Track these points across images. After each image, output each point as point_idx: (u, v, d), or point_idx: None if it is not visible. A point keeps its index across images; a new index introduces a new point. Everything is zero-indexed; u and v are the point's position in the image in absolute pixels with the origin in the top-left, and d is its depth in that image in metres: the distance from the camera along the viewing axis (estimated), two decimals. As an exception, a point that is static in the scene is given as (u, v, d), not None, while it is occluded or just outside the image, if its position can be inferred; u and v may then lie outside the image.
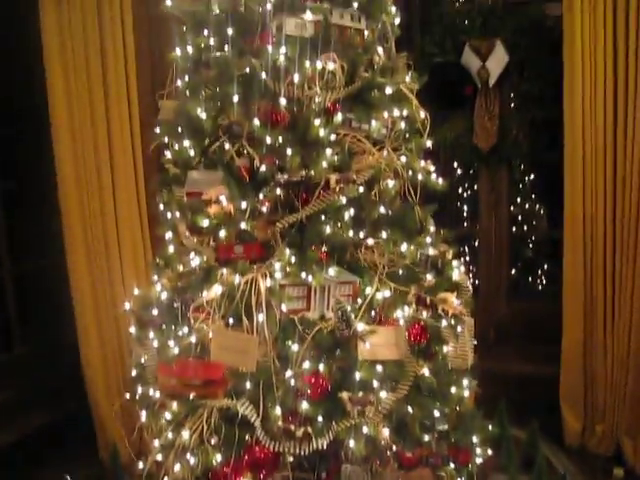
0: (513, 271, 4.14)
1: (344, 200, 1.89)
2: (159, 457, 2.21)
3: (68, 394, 3.38)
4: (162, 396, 2.16)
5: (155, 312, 2.20)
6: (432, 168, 2.21)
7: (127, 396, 2.46)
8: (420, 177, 2.14)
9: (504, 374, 3.44)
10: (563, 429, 3.39)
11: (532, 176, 4.13)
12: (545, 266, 4.36)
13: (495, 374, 3.20)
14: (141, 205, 3.13)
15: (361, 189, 1.94)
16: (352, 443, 1.85)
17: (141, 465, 2.27)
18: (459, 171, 4.12)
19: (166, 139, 2.24)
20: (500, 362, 3.54)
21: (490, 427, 2.35)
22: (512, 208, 4.05)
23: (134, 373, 2.35)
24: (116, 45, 3.01)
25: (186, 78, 2.13)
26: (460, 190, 4.23)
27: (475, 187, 4.08)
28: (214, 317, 1.96)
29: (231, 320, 1.94)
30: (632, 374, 3.11)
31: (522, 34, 3.28)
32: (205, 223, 1.99)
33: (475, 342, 2.29)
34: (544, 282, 4.37)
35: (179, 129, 2.15)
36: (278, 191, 1.98)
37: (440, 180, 2.23)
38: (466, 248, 4.17)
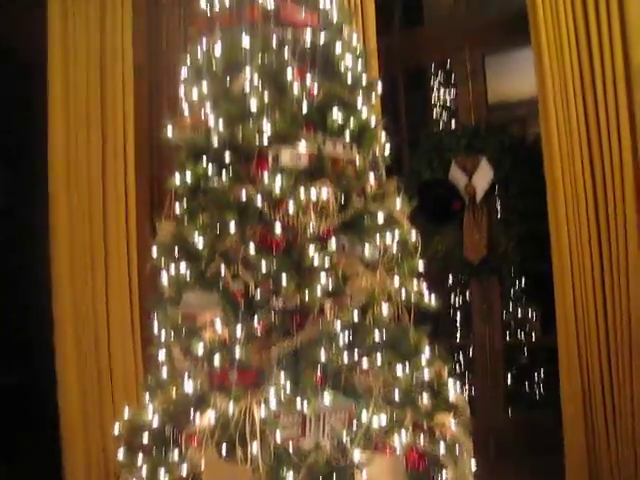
0: (509, 379, 4.10)
1: (339, 327, 1.91)
2: None
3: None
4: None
5: (145, 437, 2.15)
6: (425, 289, 2.25)
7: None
8: (413, 299, 2.17)
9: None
10: None
11: (523, 284, 4.18)
12: (542, 373, 4.31)
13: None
14: (135, 326, 3.12)
15: (355, 314, 1.95)
16: None
17: None
18: (451, 281, 4.17)
19: (162, 261, 2.28)
20: (501, 478, 3.43)
21: None
22: (505, 316, 4.07)
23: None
24: (117, 165, 3.12)
25: (184, 203, 2.20)
26: (452, 300, 4.26)
27: (467, 297, 4.12)
28: (207, 445, 1.92)
29: (224, 449, 1.89)
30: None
31: (505, 152, 3.45)
32: (200, 349, 1.99)
33: (475, 466, 2.23)
34: (542, 389, 4.31)
35: (175, 251, 2.20)
36: (273, 317, 1.99)
37: (433, 300, 2.26)
38: (461, 358, 4.15)
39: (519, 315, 4.24)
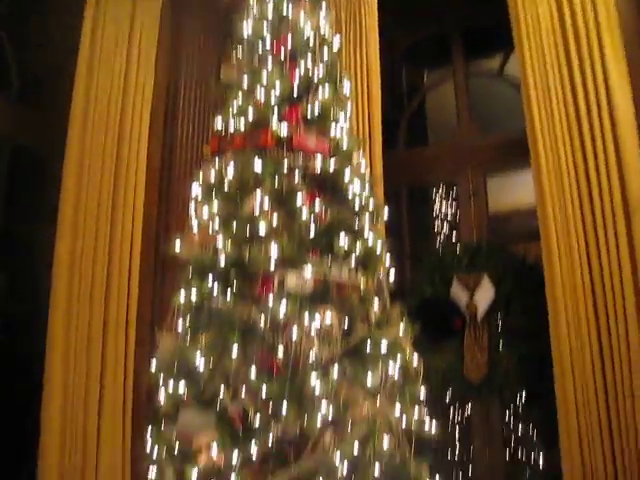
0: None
1: (338, 459, 1.85)
2: None
3: None
4: None
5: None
6: (426, 416, 2.20)
7: None
8: (414, 427, 2.13)
9: None
10: None
11: (525, 404, 4.08)
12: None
13: None
14: (125, 442, 3.01)
15: (355, 446, 1.90)
16: None
17: None
18: (449, 397, 4.08)
19: (161, 376, 2.24)
20: None
21: None
22: (505, 431, 3.94)
23: None
24: (121, 279, 3.13)
25: (187, 320, 2.20)
26: (451, 416, 4.15)
27: (466, 414, 4.01)
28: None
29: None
30: None
31: (506, 271, 3.48)
32: (194, 474, 1.93)
33: None
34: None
35: (175, 368, 2.18)
36: (270, 442, 1.94)
37: (433, 428, 2.21)
38: (460, 477, 3.98)
39: (520, 433, 4.11)
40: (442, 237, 4.37)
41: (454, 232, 4.49)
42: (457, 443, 4.17)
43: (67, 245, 3.06)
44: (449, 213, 4.55)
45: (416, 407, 2.19)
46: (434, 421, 2.26)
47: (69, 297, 3.01)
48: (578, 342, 3.14)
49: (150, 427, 2.25)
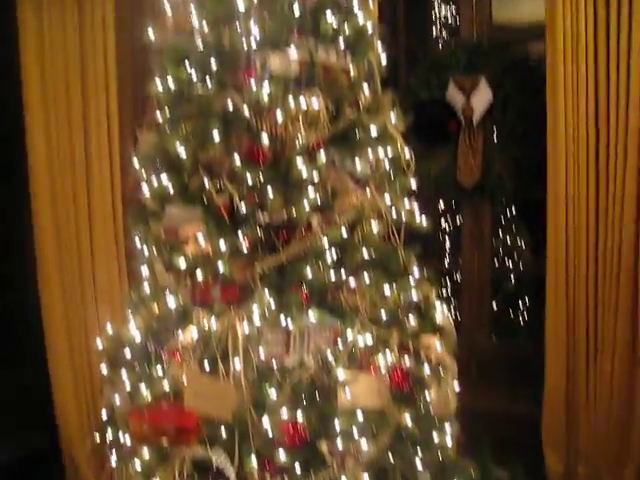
0: (495, 307, 4.11)
1: (326, 243, 1.84)
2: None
3: (39, 432, 3.27)
4: (133, 442, 2.07)
5: (128, 353, 2.12)
6: (416, 208, 2.17)
7: (98, 439, 2.37)
8: (404, 218, 2.10)
9: (487, 412, 3.38)
10: (546, 471, 3.33)
11: (515, 212, 4.12)
12: (528, 302, 4.33)
13: (478, 412, 3.14)
14: (119, 240, 3.04)
15: (344, 231, 1.88)
16: (331, 496, 1.77)
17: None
18: (442, 205, 4.10)
19: (144, 173, 2.18)
20: (483, 400, 3.48)
21: (473, 473, 2.28)
22: (495, 242, 4.03)
23: (105, 416, 2.26)
24: (97, 77, 2.95)
25: (166, 111, 2.08)
26: (443, 224, 4.21)
27: (458, 222, 4.06)
28: (189, 361, 1.89)
29: (207, 366, 1.87)
30: (615, 411, 3.06)
31: (506, 72, 3.29)
32: (182, 263, 1.93)
33: (458, 388, 2.23)
34: (527, 318, 4.33)
35: (157, 163, 2.10)
36: (258, 231, 1.92)
37: (424, 220, 2.19)
38: (448, 282, 4.13)
39: (509, 242, 4.20)
40: (440, 43, 4.09)
41: (454, 39, 4.21)
42: (447, 252, 4.28)
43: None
44: (450, 16, 4.23)
45: (406, 199, 2.15)
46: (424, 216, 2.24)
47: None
48: (575, 146, 3.07)
49: (137, 225, 2.23)
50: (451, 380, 2.13)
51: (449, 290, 4.14)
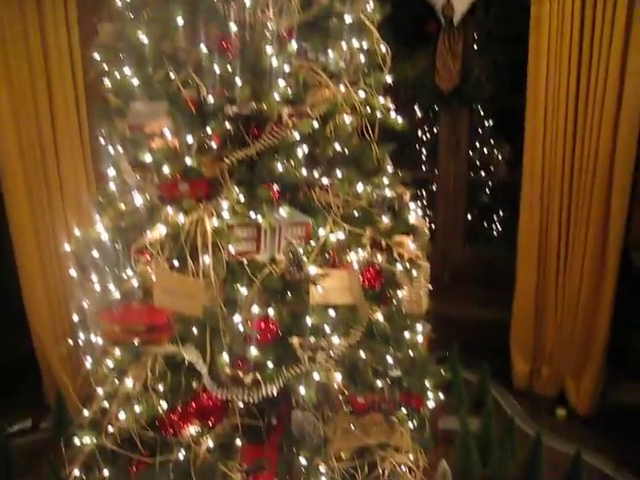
0: (469, 216, 4.12)
1: (297, 136, 1.77)
2: (105, 404, 2.13)
3: (13, 339, 3.26)
4: (105, 342, 2.06)
5: (96, 254, 2.07)
6: (391, 106, 2.10)
7: (70, 342, 2.36)
8: (379, 114, 2.03)
9: (457, 317, 3.46)
10: (512, 372, 3.45)
11: (492, 121, 4.06)
12: (501, 212, 4.35)
13: (448, 317, 3.21)
14: (83, 139, 2.92)
15: (315, 124, 1.81)
16: (303, 390, 1.79)
17: (87, 413, 2.19)
18: (419, 113, 4.01)
19: (106, 66, 2.05)
20: (454, 305, 3.55)
21: (442, 372, 2.33)
22: (472, 153, 3.99)
23: (76, 318, 2.23)
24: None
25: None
26: (419, 133, 4.13)
27: (435, 130, 3.99)
28: (157, 259, 1.85)
29: (176, 262, 1.83)
30: (580, 318, 3.16)
31: (489, -31, 3.15)
32: (148, 158, 1.85)
33: (430, 287, 2.24)
34: (500, 228, 4.37)
35: (120, 55, 1.98)
36: (227, 125, 1.84)
37: (399, 119, 2.12)
38: (423, 192, 4.12)
39: (486, 152, 4.17)
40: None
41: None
42: (423, 161, 4.23)
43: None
44: None
45: (381, 96, 2.07)
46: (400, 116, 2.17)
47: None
48: (558, 51, 2.98)
49: (102, 123, 2.13)
50: (423, 279, 2.14)
51: (425, 199, 4.13)
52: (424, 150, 4.18)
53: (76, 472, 2.12)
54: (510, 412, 3.18)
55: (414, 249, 1.98)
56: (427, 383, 2.23)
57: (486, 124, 4.10)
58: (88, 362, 2.21)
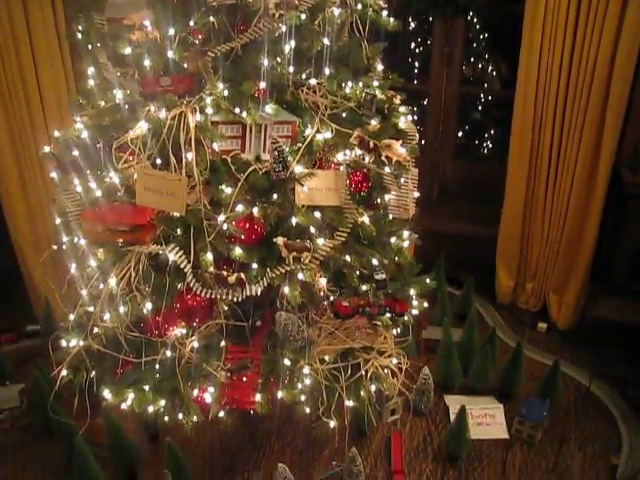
0: (461, 132, 4.06)
1: (284, 28, 1.69)
2: (90, 308, 2.13)
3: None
4: (88, 244, 2.04)
5: (76, 154, 2.01)
6: (384, 5, 2.01)
7: (54, 247, 2.33)
8: (370, 13, 1.94)
9: (445, 232, 3.46)
10: (496, 287, 3.50)
11: (488, 34, 3.92)
12: (493, 130, 4.28)
13: (436, 232, 3.21)
14: (61, 35, 2.76)
15: (303, 17, 1.72)
16: (287, 290, 1.79)
17: (72, 316, 2.20)
18: (412, 24, 3.86)
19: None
20: (442, 221, 3.55)
21: (427, 280, 2.35)
22: (465, 68, 3.87)
23: (58, 221, 2.20)
24: None
25: None
26: (412, 45, 3.99)
27: (428, 42, 3.85)
28: (139, 157, 1.80)
29: (158, 161, 1.78)
30: (566, 235, 3.17)
31: None
32: (128, 51, 1.77)
33: (418, 194, 2.22)
34: (490, 145, 4.31)
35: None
36: (211, 18, 1.75)
37: (392, 19, 2.03)
38: (414, 107, 4.01)
39: (480, 67, 4.05)
40: None
41: None
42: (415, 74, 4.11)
43: None
44: None
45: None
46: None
47: None
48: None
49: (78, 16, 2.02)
50: (411, 184, 2.11)
51: (415, 114, 4.03)
52: (417, 64, 4.05)
53: (64, 373, 2.14)
54: (492, 324, 3.24)
55: (403, 152, 1.93)
56: (412, 291, 2.25)
57: (482, 37, 3.96)
58: (72, 266, 2.20)
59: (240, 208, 1.74)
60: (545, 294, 3.38)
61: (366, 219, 1.92)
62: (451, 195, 3.79)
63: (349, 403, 2.04)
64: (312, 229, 1.81)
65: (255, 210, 1.75)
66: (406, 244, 2.13)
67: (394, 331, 2.25)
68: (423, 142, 3.71)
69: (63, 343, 2.21)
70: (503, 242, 3.39)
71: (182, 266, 1.78)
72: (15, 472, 2.46)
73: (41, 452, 2.54)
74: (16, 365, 3.00)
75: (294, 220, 1.77)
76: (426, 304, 2.38)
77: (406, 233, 2.14)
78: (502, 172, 3.30)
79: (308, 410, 2.01)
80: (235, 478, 2.37)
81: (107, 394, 2.03)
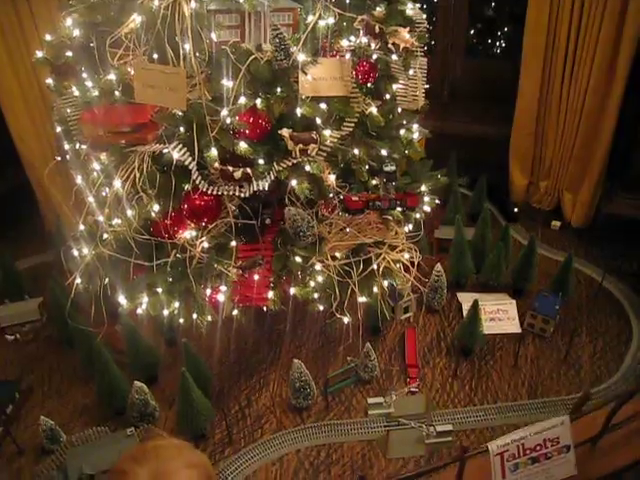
0: (472, 31, 3.87)
1: None
2: (99, 217, 2.12)
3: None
4: (90, 148, 1.99)
5: (71, 54, 1.94)
6: None
7: (57, 158, 2.30)
8: None
9: (456, 134, 3.37)
10: (510, 186, 3.44)
11: None
12: (506, 27, 4.07)
13: (447, 134, 3.13)
14: None
15: None
16: (294, 183, 1.75)
17: (82, 226, 2.19)
18: None
19: None
20: (453, 122, 3.45)
21: (439, 176, 2.30)
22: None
23: (59, 129, 2.15)
24: None
25: None
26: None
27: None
28: (135, 52, 1.73)
29: (155, 55, 1.71)
30: (582, 131, 3.07)
31: None
32: None
33: (427, 85, 2.13)
34: (503, 44, 4.12)
35: None
36: None
37: None
38: (424, 5, 3.81)
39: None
40: None
41: None
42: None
43: None
44: None
45: None
46: None
47: None
48: None
49: None
50: (420, 74, 2.02)
51: (424, 13, 3.83)
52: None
53: (78, 281, 2.16)
54: (505, 223, 3.20)
55: (410, 39, 1.83)
56: (423, 187, 2.20)
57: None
58: (76, 175, 2.17)
59: (243, 100, 1.68)
60: (559, 192, 3.32)
61: (374, 109, 1.85)
62: (462, 95, 3.66)
63: (362, 299, 2.04)
64: (318, 120, 1.74)
65: (258, 102, 1.69)
66: (416, 136, 2.07)
67: (406, 228, 2.22)
68: (433, 42, 3.56)
69: (75, 253, 2.23)
70: (516, 141, 3.30)
71: (187, 163, 1.74)
72: (42, 380, 2.53)
73: (64, 361, 2.62)
74: (33, 281, 3.05)
75: (299, 112, 1.71)
76: (438, 201, 2.35)
77: (415, 126, 2.07)
78: (515, 71, 3.17)
79: (321, 307, 2.02)
80: (252, 377, 2.43)
81: (122, 299, 2.05)
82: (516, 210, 3.35)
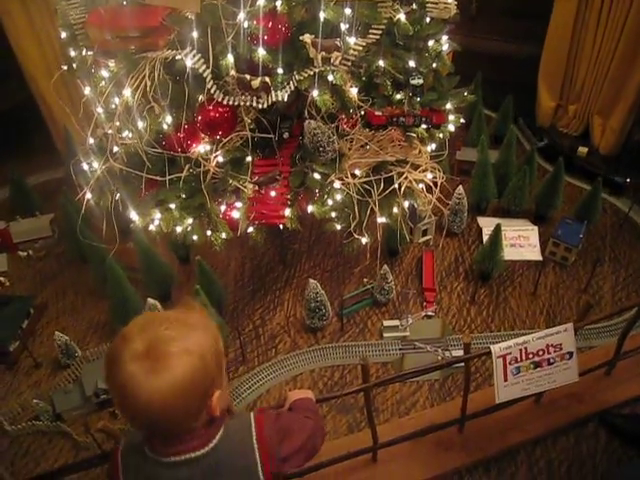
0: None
1: None
2: (109, 130, 2.03)
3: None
4: (97, 54, 1.88)
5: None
6: None
7: (64, 67, 2.18)
8: None
9: (483, 51, 3.19)
10: (537, 109, 3.28)
11: None
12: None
13: (473, 51, 2.94)
14: None
15: None
16: (316, 94, 1.64)
17: (92, 140, 2.10)
18: None
19: None
20: (480, 39, 3.26)
21: (466, 94, 2.16)
22: None
23: (64, 36, 2.02)
24: None
25: None
26: None
27: None
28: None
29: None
30: (620, 51, 2.87)
31: None
32: None
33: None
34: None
35: None
36: None
37: None
38: None
39: None
40: None
41: None
42: None
43: None
44: None
45: None
46: None
47: None
48: None
49: None
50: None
51: None
52: None
53: (89, 196, 2.09)
54: (530, 147, 3.07)
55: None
56: (449, 105, 2.08)
57: None
58: (84, 85, 2.06)
59: (262, 2, 1.55)
60: (589, 117, 3.16)
61: (402, 16, 1.71)
62: (491, 10, 3.44)
63: (381, 219, 1.97)
64: (342, 27, 1.61)
65: (278, 4, 1.56)
66: (445, 48, 1.93)
67: (429, 148, 2.12)
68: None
69: (84, 167, 2.15)
70: (547, 60, 3.12)
71: (201, 71, 1.63)
72: (56, 296, 2.53)
73: (77, 277, 2.60)
74: (44, 197, 3.00)
75: (322, 16, 1.58)
76: (462, 120, 2.23)
77: (445, 37, 1.93)
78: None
79: (339, 227, 1.96)
80: (267, 297, 2.40)
81: (134, 215, 1.99)
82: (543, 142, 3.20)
